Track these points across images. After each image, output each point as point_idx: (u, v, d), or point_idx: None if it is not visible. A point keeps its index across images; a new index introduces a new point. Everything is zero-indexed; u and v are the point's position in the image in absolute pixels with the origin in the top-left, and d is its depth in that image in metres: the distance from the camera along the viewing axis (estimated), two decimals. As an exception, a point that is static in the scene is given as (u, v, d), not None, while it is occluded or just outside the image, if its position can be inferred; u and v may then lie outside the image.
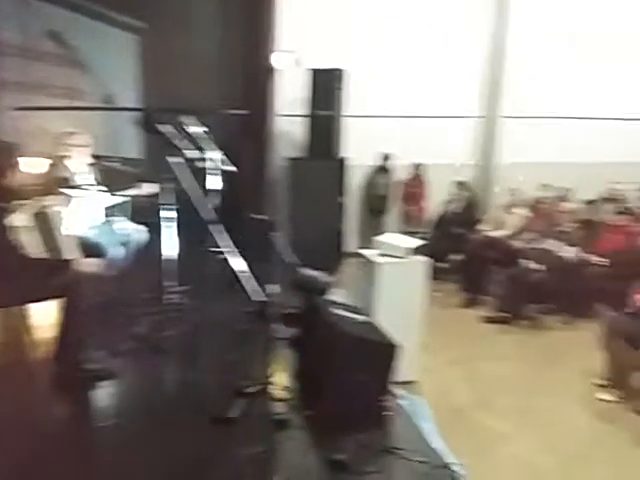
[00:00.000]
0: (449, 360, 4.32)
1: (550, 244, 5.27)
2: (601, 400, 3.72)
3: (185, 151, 2.89)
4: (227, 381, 2.61)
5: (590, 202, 5.90)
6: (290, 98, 6.26)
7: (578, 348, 4.53)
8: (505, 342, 4.78)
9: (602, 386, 3.84)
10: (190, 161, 2.87)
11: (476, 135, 7.61)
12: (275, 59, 5.71)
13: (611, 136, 7.79)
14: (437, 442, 2.41)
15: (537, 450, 3.20)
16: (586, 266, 5.20)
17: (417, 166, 7.16)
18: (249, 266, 2.59)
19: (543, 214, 5.95)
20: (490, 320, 5.19)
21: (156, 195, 3.12)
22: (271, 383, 2.43)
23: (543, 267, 5.12)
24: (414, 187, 7.19)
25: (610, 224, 5.45)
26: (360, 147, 6.76)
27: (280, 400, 2.55)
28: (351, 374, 2.46)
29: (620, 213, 5.50)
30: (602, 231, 5.46)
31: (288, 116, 6.44)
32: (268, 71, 5.59)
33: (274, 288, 2.49)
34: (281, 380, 2.66)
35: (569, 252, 5.14)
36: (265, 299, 1.93)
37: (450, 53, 7.19)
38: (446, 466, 2.23)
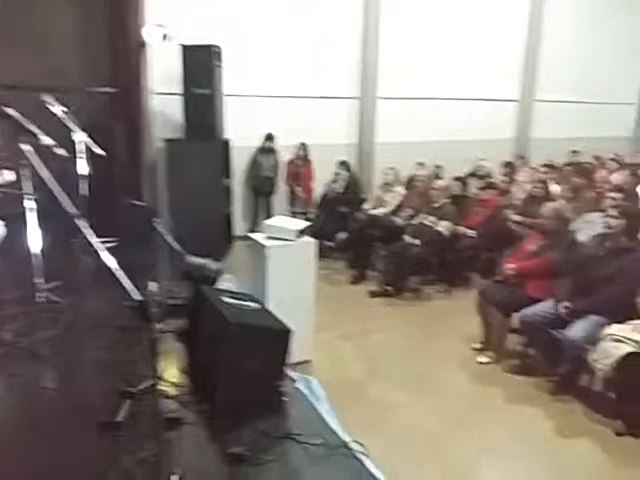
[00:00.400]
0: (341, 336, 4.39)
1: (426, 219, 5.54)
2: (480, 363, 4.01)
3: (42, 136, 2.56)
4: (111, 383, 2.49)
5: (459, 178, 6.29)
6: (165, 75, 5.90)
7: (457, 316, 4.83)
8: (392, 314, 4.97)
9: (480, 350, 4.15)
10: (47, 146, 2.55)
11: (355, 116, 7.82)
12: (146, 33, 5.29)
13: (479, 116, 8.50)
14: (334, 422, 2.41)
15: (426, 415, 3.37)
16: (459, 239, 5.57)
17: (302, 146, 7.14)
18: (129, 257, 2.36)
19: (419, 191, 6.25)
20: (376, 294, 5.36)
21: (14, 184, 2.77)
22: (160, 380, 2.25)
23: (420, 241, 5.37)
24: (300, 167, 7.17)
25: (477, 199, 5.89)
26: (244, 127, 6.62)
27: (171, 397, 2.41)
28: (243, 363, 2.39)
29: (485, 188, 5.92)
30: (471, 205, 5.89)
31: (164, 94, 6.07)
32: (138, 46, 5.17)
33: (157, 279, 2.32)
34: (171, 376, 2.54)
35: (443, 226, 5.44)
36: (146, 292, 1.76)
37: (329, 35, 7.26)
38: (345, 445, 2.24)
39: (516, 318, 3.78)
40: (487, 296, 4.04)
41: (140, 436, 2.10)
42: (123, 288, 1.68)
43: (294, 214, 7.23)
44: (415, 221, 5.65)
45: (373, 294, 5.38)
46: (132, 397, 2.34)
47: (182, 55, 5.53)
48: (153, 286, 2.02)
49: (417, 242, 5.38)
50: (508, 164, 7.51)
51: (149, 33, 5.31)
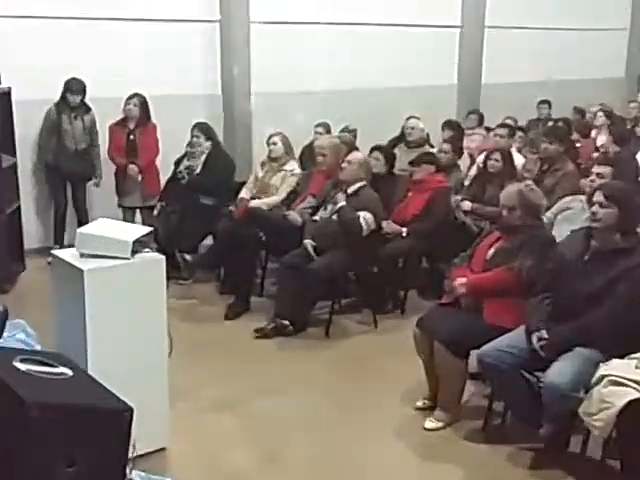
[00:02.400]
0: (213, 405, 4.37)
1: (339, 209, 5.67)
2: (427, 430, 4.13)
3: None
4: None
5: (379, 148, 6.61)
6: None
7: (388, 359, 4.99)
8: (291, 363, 5.02)
9: (425, 409, 4.29)
10: None
11: (217, 49, 8.24)
12: None
13: (408, 52, 9.23)
14: None
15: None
16: (384, 240, 5.85)
17: (137, 100, 6.89)
18: None
19: (322, 169, 6.38)
20: (266, 333, 5.41)
21: None
22: None
23: (328, 246, 5.49)
24: (134, 134, 6.96)
25: (408, 179, 6.34)
26: (31, 68, 6.61)
27: None
28: (51, 467, 2.33)
29: (420, 162, 6.33)
30: (400, 189, 6.32)
31: None
32: None
33: None
34: None
35: (364, 221, 5.60)
36: None
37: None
38: None
39: (474, 358, 3.93)
40: (430, 327, 4.16)
41: None
42: None
43: (127, 212, 7.12)
44: (320, 215, 5.75)
45: (260, 333, 5.41)
46: None
47: None
48: None
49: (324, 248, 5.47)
50: (451, 125, 7.93)
51: None
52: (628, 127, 8.73)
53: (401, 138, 7.65)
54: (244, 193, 6.52)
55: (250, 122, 8.24)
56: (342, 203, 5.51)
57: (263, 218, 6.10)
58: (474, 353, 3.93)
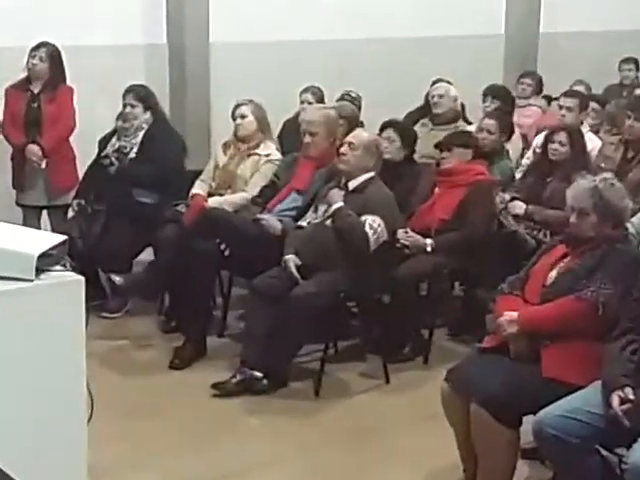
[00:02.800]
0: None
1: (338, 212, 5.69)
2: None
3: None
4: None
5: (395, 125, 6.61)
6: None
7: (406, 429, 4.99)
8: (262, 435, 4.99)
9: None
10: None
11: None
12: None
13: None
14: None
15: None
16: (400, 256, 5.87)
17: (45, 50, 6.88)
18: None
19: (312, 155, 6.38)
20: (227, 391, 5.38)
21: None
22: None
23: (319, 265, 5.49)
24: (37, 102, 6.93)
25: (436, 168, 6.40)
26: None
27: None
28: None
29: (453, 145, 6.32)
30: (424, 183, 6.41)
31: None
32: None
33: None
34: None
35: (370, 228, 5.61)
36: None
37: None
38: None
39: (529, 428, 3.92)
40: (465, 383, 4.14)
41: None
42: None
43: (28, 213, 7.13)
44: (308, 220, 5.77)
45: (221, 390, 5.41)
46: None
47: None
48: None
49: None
50: (496, 93, 7.91)
51: None
52: None
53: (425, 110, 7.66)
54: (198, 188, 6.51)
55: (207, 85, 8.25)
56: (339, 204, 5.50)
57: (225, 224, 6.06)
58: (528, 420, 3.91)
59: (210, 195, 6.40)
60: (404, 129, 6.52)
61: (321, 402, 5.42)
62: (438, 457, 4.51)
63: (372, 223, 5.43)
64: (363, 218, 5.43)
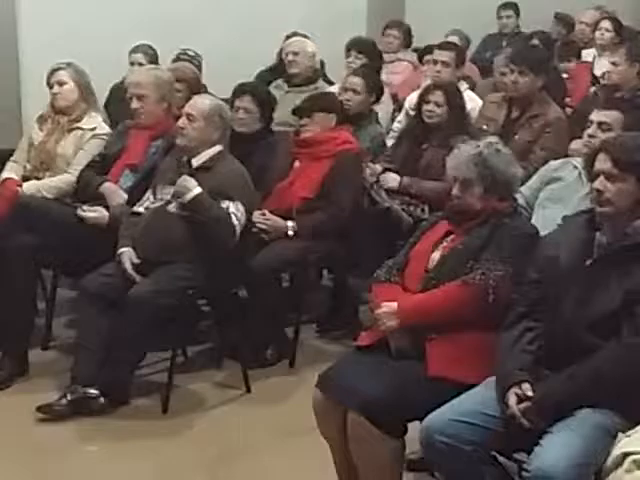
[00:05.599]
0: None
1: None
2: None
3: None
4: None
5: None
6: None
7: (269, 444, 5.02)
8: (100, 464, 4.94)
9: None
10: None
11: None
12: None
13: None
14: None
15: None
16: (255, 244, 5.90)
17: None
18: None
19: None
20: (56, 413, 5.29)
21: None
22: None
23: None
24: None
25: (292, 136, 6.47)
26: None
27: None
28: None
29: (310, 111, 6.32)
30: (281, 156, 6.40)
31: None
32: None
33: None
34: None
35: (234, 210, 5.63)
36: None
37: None
38: None
39: (415, 435, 3.94)
40: (340, 388, 4.15)
41: None
42: None
43: None
44: (146, 205, 5.75)
45: (49, 413, 5.30)
46: None
47: None
48: None
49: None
50: (360, 46, 8.02)
51: None
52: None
53: (278, 70, 7.66)
54: (10, 171, 6.42)
55: (15, 42, 8.08)
56: (198, 189, 5.39)
57: (43, 213, 5.99)
58: (415, 427, 3.94)
59: (25, 179, 6.28)
60: (263, 96, 6.49)
61: (171, 420, 5.39)
62: (313, 476, 4.53)
63: (236, 212, 5.43)
64: (225, 206, 5.41)
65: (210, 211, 5.39)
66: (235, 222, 5.38)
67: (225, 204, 5.39)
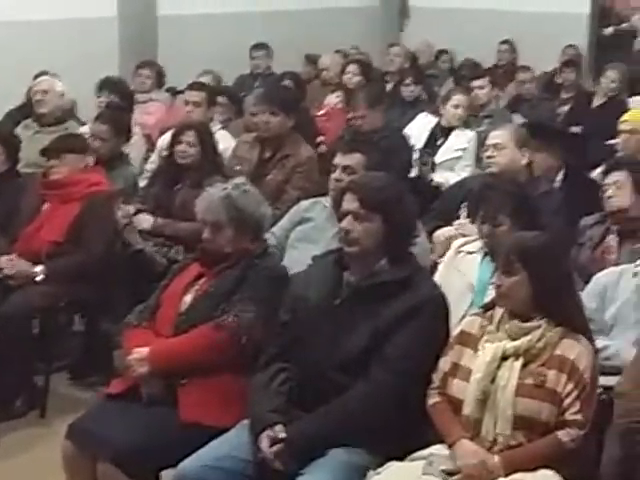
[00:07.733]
0: None
1: None
2: None
3: None
4: None
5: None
6: None
7: None
8: None
9: None
10: None
11: None
12: None
13: None
14: None
15: None
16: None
17: None
18: None
19: None
20: None
21: None
22: None
23: None
24: None
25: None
26: None
27: None
28: None
29: None
30: None
31: None
32: None
33: None
34: None
35: None
36: None
37: None
38: None
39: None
40: (91, 438, 4.08)
41: None
42: None
43: None
44: None
45: None
46: None
47: None
48: None
49: None
50: (110, 85, 7.96)
51: None
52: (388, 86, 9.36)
53: (27, 109, 7.53)
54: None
55: None
56: None
57: None
58: (168, 475, 3.92)
59: None
60: (7, 136, 6.34)
61: None
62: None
63: None
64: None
65: None
66: None
67: None
